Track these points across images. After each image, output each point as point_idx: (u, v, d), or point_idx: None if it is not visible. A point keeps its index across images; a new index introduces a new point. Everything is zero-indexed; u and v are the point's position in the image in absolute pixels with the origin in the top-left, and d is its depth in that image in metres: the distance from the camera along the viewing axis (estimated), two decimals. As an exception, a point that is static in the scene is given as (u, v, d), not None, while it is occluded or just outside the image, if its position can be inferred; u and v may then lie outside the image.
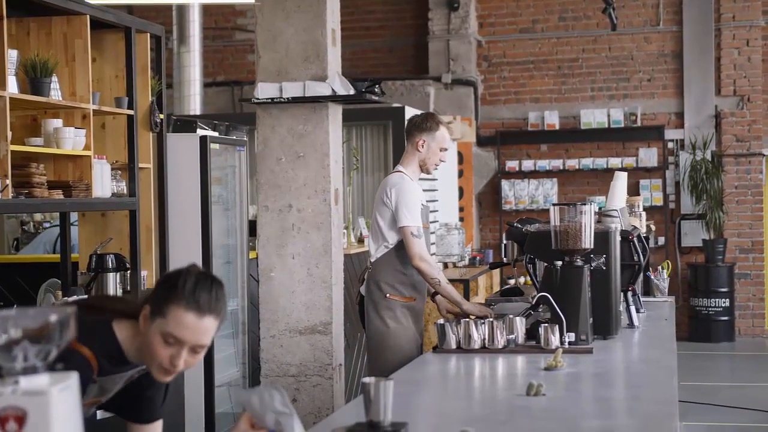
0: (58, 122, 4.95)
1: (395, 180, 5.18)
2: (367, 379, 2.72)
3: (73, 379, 1.79)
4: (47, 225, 8.71)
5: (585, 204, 4.38)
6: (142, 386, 2.80)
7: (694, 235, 12.42)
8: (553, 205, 4.42)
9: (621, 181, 5.49)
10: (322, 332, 5.65)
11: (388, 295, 5.14)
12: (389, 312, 5.14)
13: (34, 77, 4.75)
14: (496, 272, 11.12)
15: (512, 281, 12.29)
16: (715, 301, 12.08)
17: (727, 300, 12.09)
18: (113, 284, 5.36)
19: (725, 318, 12.11)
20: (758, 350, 11.84)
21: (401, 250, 5.13)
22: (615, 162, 12.42)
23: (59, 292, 5.42)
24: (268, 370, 5.60)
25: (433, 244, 9.81)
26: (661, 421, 2.87)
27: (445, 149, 5.28)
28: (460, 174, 12.26)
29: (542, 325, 4.20)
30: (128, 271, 5.52)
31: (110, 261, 5.36)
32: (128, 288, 5.56)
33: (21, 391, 1.72)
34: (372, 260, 5.26)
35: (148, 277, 5.80)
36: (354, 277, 7.44)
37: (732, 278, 12.19)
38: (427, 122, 5.25)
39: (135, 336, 2.63)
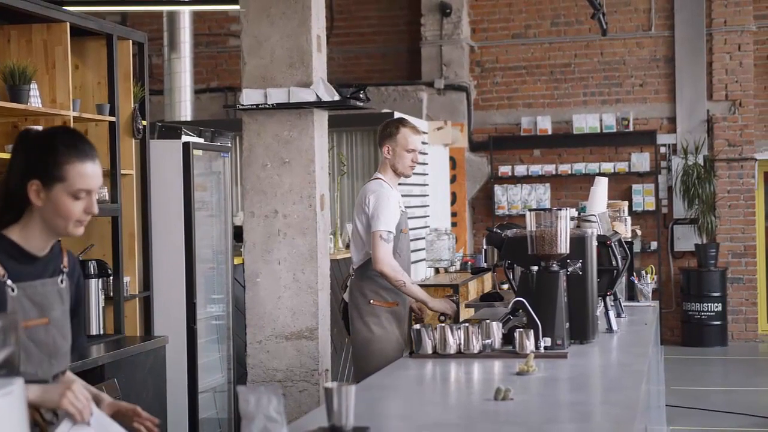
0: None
1: (374, 187, 5.29)
2: (328, 384, 2.74)
3: (16, 385, 1.80)
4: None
5: (561, 209, 4.39)
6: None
7: (686, 239, 12.43)
8: (530, 210, 4.44)
9: (601, 186, 5.51)
10: (309, 338, 5.67)
11: (372, 301, 5.23)
12: (374, 318, 5.20)
13: (12, 84, 4.77)
14: (488, 277, 11.13)
15: (506, 286, 12.30)
16: (708, 306, 12.08)
17: (720, 304, 12.10)
18: (95, 290, 5.37)
19: (718, 322, 12.12)
20: (751, 354, 11.84)
21: None
22: (607, 167, 12.44)
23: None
24: (254, 375, 5.61)
25: (422, 249, 9.84)
26: (620, 424, 2.89)
27: (413, 150, 5.34)
28: (453, 179, 12.28)
29: (517, 330, 4.21)
30: (110, 278, 5.54)
31: (92, 267, 5.37)
32: (111, 294, 5.57)
33: (-38, 397, 1.73)
34: (354, 267, 5.34)
35: (131, 283, 5.82)
36: (341, 283, 7.45)
37: (724, 283, 12.20)
38: (387, 128, 5.39)
39: (27, 227, 2.68)
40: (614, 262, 4.95)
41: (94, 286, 5.38)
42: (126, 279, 5.71)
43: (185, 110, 10.54)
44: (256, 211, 5.64)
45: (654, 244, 12.42)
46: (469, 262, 10.86)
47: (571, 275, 4.45)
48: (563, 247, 4.36)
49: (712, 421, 8.30)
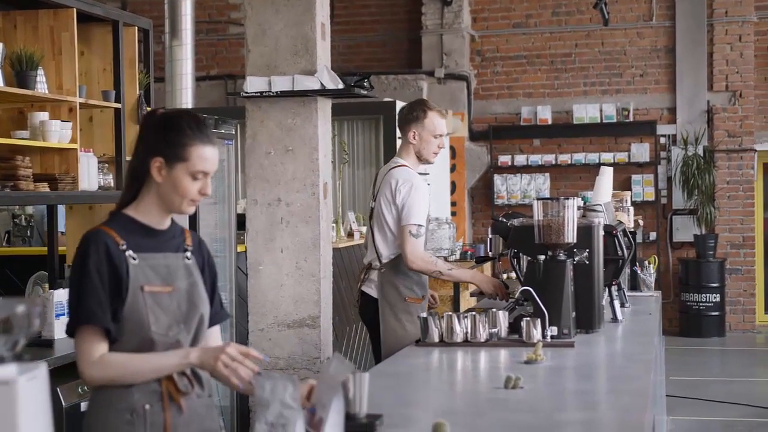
0: (44, 115, 4.96)
1: (404, 176, 5.04)
2: (342, 372, 2.74)
3: (40, 370, 1.80)
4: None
5: (568, 199, 4.39)
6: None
7: (685, 230, 12.45)
8: (537, 199, 4.44)
9: (606, 176, 5.51)
10: (311, 326, 5.67)
11: (407, 298, 5.03)
12: (407, 315, 5.01)
13: (20, 70, 4.75)
14: (488, 266, 11.14)
15: (504, 275, 12.31)
16: (706, 296, 12.11)
17: (718, 295, 12.13)
18: (100, 277, 5.36)
19: (716, 313, 12.15)
20: (748, 345, 11.88)
21: None
22: (607, 157, 12.44)
23: (46, 285, 5.43)
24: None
25: (424, 238, 9.83)
26: (632, 413, 2.90)
27: (440, 135, 5.11)
28: (453, 168, 12.28)
29: (524, 318, 4.21)
30: (115, 264, 5.52)
31: (97, 254, 5.35)
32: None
33: (-13, 381, 1.73)
34: (383, 260, 5.09)
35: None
36: (343, 271, 7.45)
37: (723, 273, 12.22)
38: (413, 112, 5.12)
39: (143, 203, 2.84)
40: (620, 252, 4.96)
41: (99, 272, 5.36)
42: (130, 266, 5.70)
43: (186, 98, 10.46)
44: (259, 199, 5.63)
45: (653, 235, 12.44)
46: (469, 252, 10.87)
47: (578, 264, 4.45)
48: (570, 236, 4.36)
49: (711, 411, 8.32)
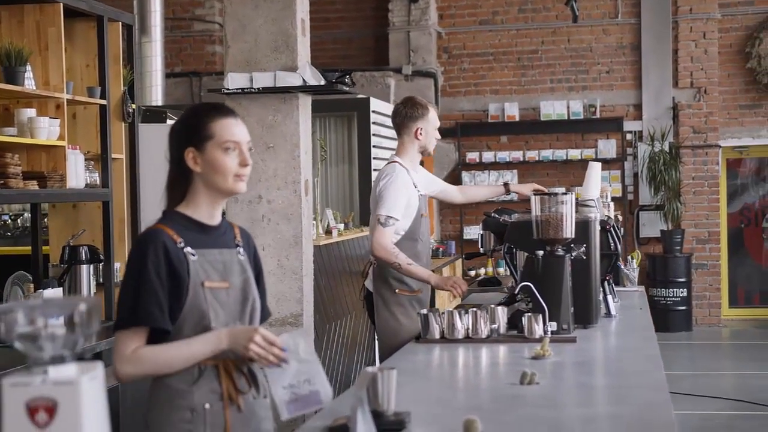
0: (31, 112, 4.87)
1: (388, 170, 5.13)
2: (370, 369, 2.72)
3: (99, 369, 1.77)
4: (6, 217, 8.60)
5: (566, 194, 4.39)
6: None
7: (652, 225, 12.55)
8: (535, 194, 4.43)
9: (595, 170, 5.53)
10: (293, 324, 5.65)
11: (397, 290, 5.08)
12: (400, 308, 5.06)
13: (8, 66, 4.67)
14: (459, 263, 11.17)
15: (472, 272, 12.33)
16: (673, 291, 12.22)
17: (685, 290, 12.24)
18: (86, 276, 5.29)
19: (683, 308, 12.26)
20: (715, 339, 12.00)
21: (406, 242, 5.05)
22: (574, 153, 12.51)
23: (30, 285, 5.34)
24: (239, 362, 5.56)
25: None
26: (659, 407, 2.91)
27: (437, 127, 5.31)
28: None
29: (526, 314, 4.21)
30: (101, 263, 5.45)
31: (83, 253, 5.29)
32: (101, 280, 5.49)
33: (51, 381, 1.70)
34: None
35: (121, 269, 5.73)
36: (323, 269, 7.42)
37: (689, 268, 12.34)
38: (417, 110, 5.21)
39: (192, 199, 2.83)
40: (613, 246, 4.98)
41: (86, 272, 5.29)
42: (116, 264, 5.63)
43: (156, 95, 10.38)
44: (240, 196, 5.59)
45: (620, 231, 12.51)
46: (441, 249, 10.89)
47: (575, 260, 4.45)
48: (569, 231, 4.36)
49: (683, 405, 8.38)
